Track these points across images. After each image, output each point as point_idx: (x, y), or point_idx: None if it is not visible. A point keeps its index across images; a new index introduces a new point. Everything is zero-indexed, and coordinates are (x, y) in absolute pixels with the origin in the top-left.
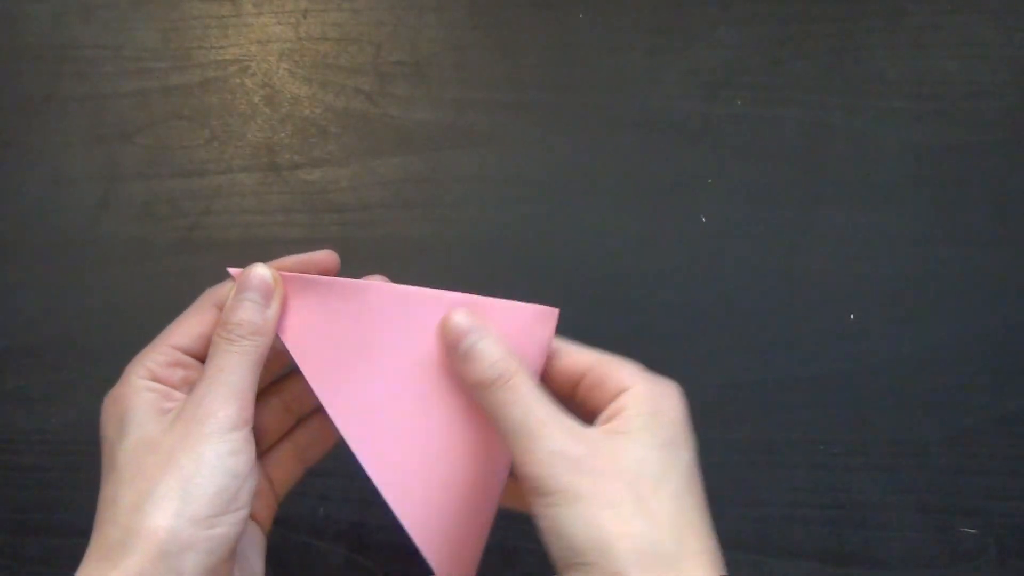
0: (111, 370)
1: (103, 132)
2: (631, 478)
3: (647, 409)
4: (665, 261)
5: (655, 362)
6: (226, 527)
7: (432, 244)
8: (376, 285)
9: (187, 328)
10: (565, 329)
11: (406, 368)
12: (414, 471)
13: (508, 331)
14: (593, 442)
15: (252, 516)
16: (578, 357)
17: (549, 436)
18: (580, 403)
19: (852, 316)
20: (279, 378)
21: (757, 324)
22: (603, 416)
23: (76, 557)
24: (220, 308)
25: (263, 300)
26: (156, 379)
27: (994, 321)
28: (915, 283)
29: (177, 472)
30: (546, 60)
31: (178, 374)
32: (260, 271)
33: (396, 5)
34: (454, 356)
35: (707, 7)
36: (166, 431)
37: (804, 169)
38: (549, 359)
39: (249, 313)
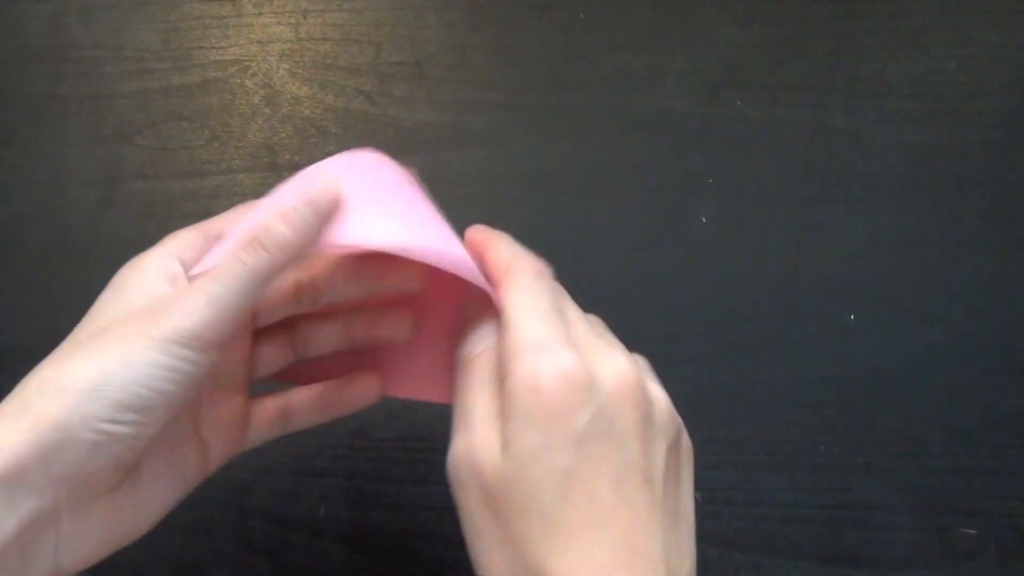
0: None
1: (103, 132)
2: None
3: None
4: (665, 261)
5: (655, 362)
6: (118, 441)
7: None
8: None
9: (226, 220)
10: None
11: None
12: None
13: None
14: None
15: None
16: None
17: None
18: None
19: (852, 316)
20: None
21: (757, 324)
22: None
23: None
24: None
25: (315, 219)
26: (180, 257)
27: (994, 321)
28: (915, 283)
29: (98, 366)
30: (546, 60)
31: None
32: (331, 188)
33: (396, 5)
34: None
35: (707, 7)
36: (129, 316)
37: (804, 169)
38: None
39: (288, 225)
